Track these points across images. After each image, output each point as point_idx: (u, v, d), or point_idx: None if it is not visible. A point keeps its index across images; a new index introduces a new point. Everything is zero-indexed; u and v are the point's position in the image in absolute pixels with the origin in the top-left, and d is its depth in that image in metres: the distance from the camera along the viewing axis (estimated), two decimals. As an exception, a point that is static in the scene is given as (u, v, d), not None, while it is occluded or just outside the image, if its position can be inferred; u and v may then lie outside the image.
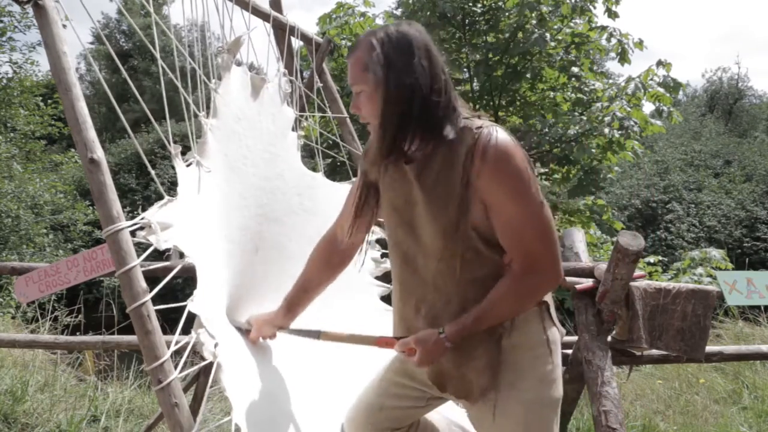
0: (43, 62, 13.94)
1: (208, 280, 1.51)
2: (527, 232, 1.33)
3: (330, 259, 1.74)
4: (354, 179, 2.65)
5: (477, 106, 8.78)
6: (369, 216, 1.60)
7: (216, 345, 1.37)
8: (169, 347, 1.31)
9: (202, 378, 2.48)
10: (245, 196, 1.93)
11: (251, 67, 2.11)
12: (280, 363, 1.79)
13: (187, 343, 1.35)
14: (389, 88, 1.34)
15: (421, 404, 1.64)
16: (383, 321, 2.44)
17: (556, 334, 1.49)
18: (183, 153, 1.58)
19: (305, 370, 1.86)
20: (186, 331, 1.40)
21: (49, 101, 12.01)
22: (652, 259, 7.58)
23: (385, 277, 2.57)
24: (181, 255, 1.41)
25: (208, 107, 1.75)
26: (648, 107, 8.15)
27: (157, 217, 1.36)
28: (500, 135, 1.32)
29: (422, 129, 1.36)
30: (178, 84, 1.59)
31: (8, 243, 11.01)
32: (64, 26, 1.36)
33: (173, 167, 1.54)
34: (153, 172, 1.58)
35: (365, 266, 2.44)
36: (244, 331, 1.74)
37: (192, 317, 1.40)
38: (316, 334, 1.68)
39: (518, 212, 1.32)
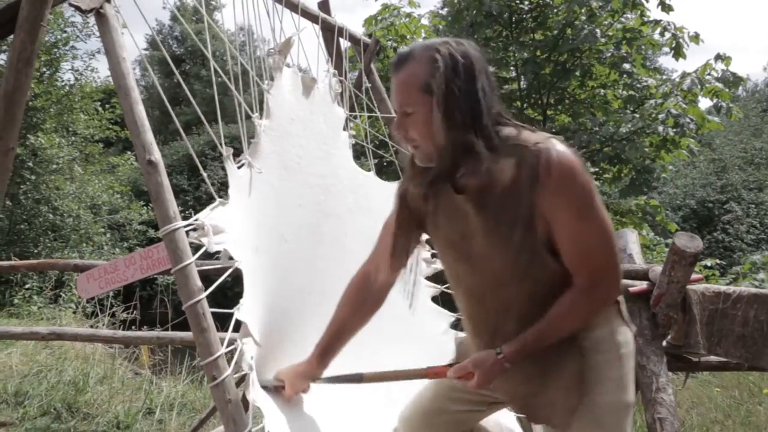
0: (101, 69, 14.55)
1: (253, 291, 1.50)
2: (593, 248, 1.29)
3: (364, 301, 1.62)
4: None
5: (525, 105, 8.66)
6: (409, 250, 1.54)
7: (252, 357, 1.38)
8: (222, 344, 1.34)
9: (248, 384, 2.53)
10: (301, 194, 1.93)
11: (299, 70, 2.14)
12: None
13: (231, 341, 1.38)
14: (454, 113, 1.26)
15: (481, 408, 1.61)
16: (437, 323, 2.44)
17: (629, 334, 1.44)
18: (235, 155, 1.59)
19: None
20: (237, 329, 1.42)
21: (107, 106, 12.53)
22: (708, 262, 7.29)
23: (434, 278, 2.56)
24: (231, 258, 1.43)
25: (260, 108, 1.77)
26: (705, 103, 7.86)
27: (209, 220, 1.39)
28: (561, 150, 1.27)
29: (481, 155, 1.28)
30: (230, 85, 1.61)
31: (69, 241, 11.53)
32: (122, 33, 1.41)
33: (223, 168, 1.56)
34: (205, 174, 1.60)
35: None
36: (274, 389, 1.59)
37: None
38: (359, 378, 1.57)
39: (584, 228, 1.28)
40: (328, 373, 1.61)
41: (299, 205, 1.93)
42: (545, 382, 1.39)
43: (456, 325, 2.43)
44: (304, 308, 1.85)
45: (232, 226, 1.44)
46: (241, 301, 1.42)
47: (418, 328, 2.25)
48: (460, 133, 1.27)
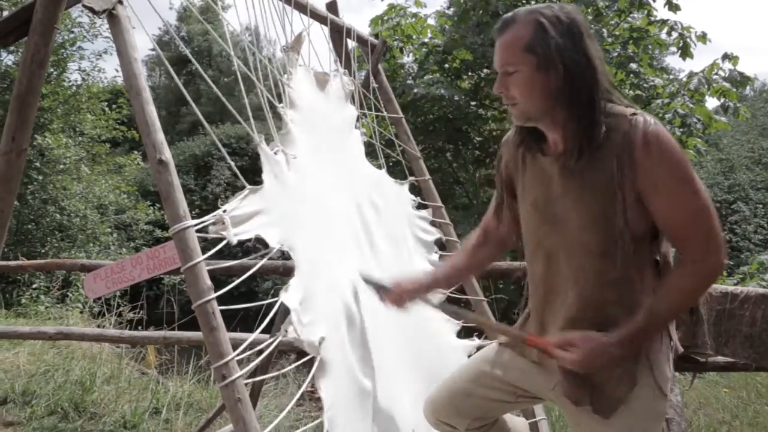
0: (108, 69, 14.59)
1: (307, 265, 1.51)
2: (699, 214, 1.27)
3: (484, 242, 1.69)
4: (411, 179, 2.67)
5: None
6: (510, 213, 1.57)
7: (322, 340, 1.38)
8: (231, 344, 1.35)
9: (258, 374, 2.53)
10: (331, 183, 1.94)
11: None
12: (378, 358, 1.76)
13: (255, 341, 1.39)
14: (556, 73, 1.27)
15: (510, 399, 1.60)
16: (441, 331, 2.43)
17: (668, 341, 1.41)
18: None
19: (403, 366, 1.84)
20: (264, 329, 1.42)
21: (114, 106, 12.59)
22: (716, 262, 7.25)
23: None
24: (247, 252, 1.44)
25: (280, 101, 1.78)
26: (712, 103, 7.82)
27: (239, 210, 1.39)
28: (657, 123, 1.27)
29: (578, 118, 1.29)
30: (253, 76, 1.63)
31: (76, 241, 11.59)
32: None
33: (229, 168, 1.57)
34: (232, 163, 1.58)
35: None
36: (382, 288, 1.65)
37: (248, 316, 1.43)
38: (462, 316, 1.67)
39: (688, 195, 1.26)
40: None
41: (334, 192, 1.94)
42: (601, 371, 1.35)
43: (460, 334, 2.40)
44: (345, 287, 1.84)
45: (269, 210, 1.45)
46: (290, 282, 1.44)
47: (426, 337, 2.25)
48: (560, 93, 1.28)
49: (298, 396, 1.41)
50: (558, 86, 1.28)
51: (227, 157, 1.60)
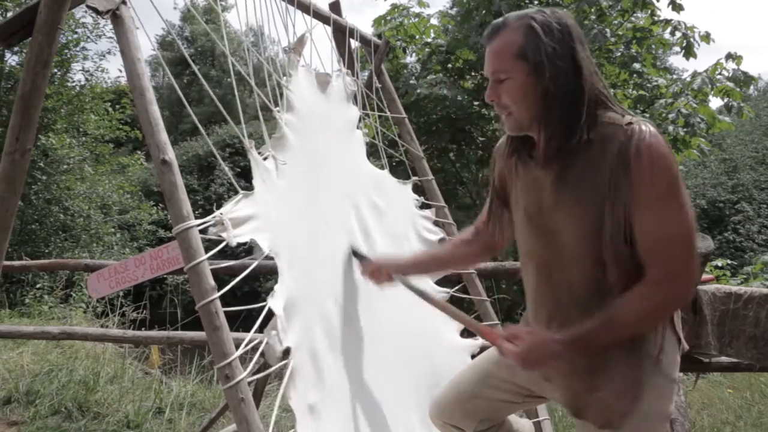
0: (111, 69, 14.61)
1: (290, 272, 1.52)
2: (674, 237, 1.23)
3: (472, 241, 1.71)
4: (414, 179, 2.67)
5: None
6: (503, 221, 1.57)
7: (288, 349, 1.38)
8: (234, 344, 1.35)
9: (261, 374, 2.54)
10: (325, 187, 1.93)
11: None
12: (355, 364, 1.76)
13: (251, 340, 1.39)
14: (548, 79, 1.25)
15: (517, 400, 1.59)
16: (444, 328, 2.43)
17: (676, 342, 1.39)
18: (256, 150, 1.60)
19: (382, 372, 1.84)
20: (253, 329, 1.43)
21: (117, 106, 12.62)
22: (719, 262, 7.22)
23: (441, 281, 2.56)
24: (249, 251, 1.45)
25: (278, 104, 1.78)
26: (716, 103, 7.81)
27: (233, 213, 1.40)
28: (654, 133, 1.23)
29: (571, 127, 1.26)
30: (250, 80, 1.62)
31: (80, 241, 11.62)
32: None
33: (231, 169, 1.57)
34: (227, 168, 1.62)
35: None
36: (363, 260, 1.79)
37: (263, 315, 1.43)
38: (427, 296, 1.70)
39: (668, 215, 1.23)
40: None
41: (328, 197, 1.93)
42: (593, 382, 1.34)
43: (463, 334, 2.40)
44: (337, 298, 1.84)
45: (260, 215, 1.45)
46: (275, 288, 1.43)
47: (428, 334, 2.25)
48: (553, 101, 1.26)
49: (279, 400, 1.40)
50: (548, 92, 1.26)
51: (222, 163, 1.61)
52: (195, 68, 1.65)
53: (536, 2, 8.17)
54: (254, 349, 1.40)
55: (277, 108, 1.74)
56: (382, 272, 1.75)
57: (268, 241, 1.47)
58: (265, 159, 1.61)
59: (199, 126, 1.58)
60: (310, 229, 1.76)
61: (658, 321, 1.31)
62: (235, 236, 1.38)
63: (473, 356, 2.33)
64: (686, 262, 1.25)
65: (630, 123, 1.25)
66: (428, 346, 2.17)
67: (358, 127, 2.38)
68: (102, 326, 5.93)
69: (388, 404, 1.80)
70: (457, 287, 2.57)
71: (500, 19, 1.33)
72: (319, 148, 1.94)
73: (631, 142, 1.22)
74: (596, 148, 1.26)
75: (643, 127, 1.23)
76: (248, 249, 1.47)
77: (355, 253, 1.81)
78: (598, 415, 1.35)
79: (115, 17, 1.38)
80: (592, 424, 1.37)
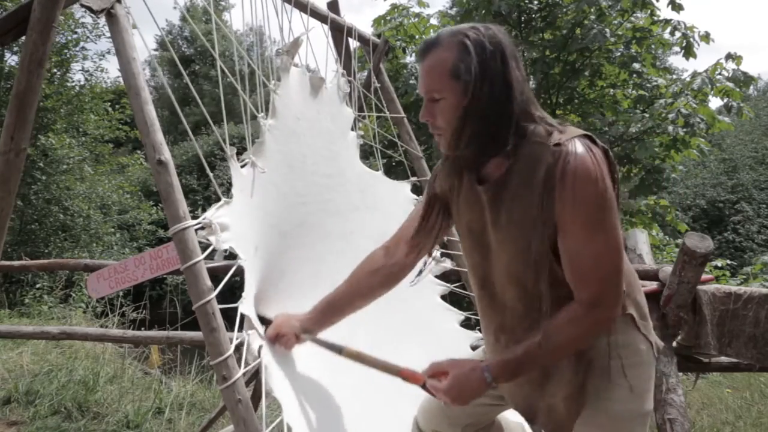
0: (111, 69, 14.63)
1: (252, 280, 1.52)
2: (598, 263, 1.21)
3: (379, 270, 1.57)
4: (412, 179, 2.67)
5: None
6: (432, 236, 1.52)
7: (260, 347, 1.38)
8: (232, 343, 1.35)
9: (261, 374, 2.54)
10: (303, 193, 1.95)
11: (308, 69, 2.14)
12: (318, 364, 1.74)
13: (240, 341, 1.39)
14: (484, 100, 1.22)
15: (500, 402, 1.58)
16: (443, 318, 2.44)
17: (645, 344, 1.38)
18: (239, 154, 1.60)
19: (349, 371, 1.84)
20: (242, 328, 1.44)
21: (117, 106, 12.61)
22: (719, 262, 7.23)
23: (443, 276, 2.56)
24: (236, 256, 1.45)
25: (266, 108, 1.78)
26: (715, 103, 7.81)
27: (214, 219, 1.40)
28: (580, 154, 1.19)
29: (504, 147, 1.24)
30: (237, 85, 1.62)
31: (80, 241, 11.62)
32: (132, 34, 1.42)
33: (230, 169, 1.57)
34: (211, 174, 1.59)
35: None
36: (266, 322, 1.58)
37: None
38: (339, 349, 1.54)
39: (591, 241, 1.20)
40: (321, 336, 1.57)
41: (303, 203, 1.94)
42: (544, 389, 1.35)
43: (466, 324, 2.43)
44: (314, 300, 1.85)
45: (234, 224, 1.45)
46: (243, 295, 1.43)
47: (426, 325, 2.26)
48: (487, 121, 1.23)
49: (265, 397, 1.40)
50: (481, 113, 1.23)
51: (207, 167, 1.60)
52: (184, 72, 1.63)
53: (536, 1, 8.18)
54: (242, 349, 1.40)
55: (262, 114, 1.73)
56: (286, 335, 1.55)
57: (241, 248, 1.46)
58: (243, 166, 1.60)
59: (189, 130, 1.56)
60: (281, 237, 1.76)
61: (588, 342, 1.30)
62: (223, 241, 1.37)
63: (472, 346, 2.35)
64: (613, 285, 1.24)
65: (558, 144, 1.21)
66: (428, 338, 2.18)
67: (353, 129, 2.38)
68: (102, 326, 5.93)
69: (375, 393, 1.81)
70: (456, 284, 2.58)
71: (434, 36, 1.30)
72: (302, 153, 1.95)
73: (557, 165, 1.19)
74: (526, 167, 1.24)
75: (570, 148, 1.20)
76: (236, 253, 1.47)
77: (261, 319, 1.57)
78: (548, 420, 1.37)
79: (110, 16, 1.37)
80: (544, 429, 1.40)
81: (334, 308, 1.58)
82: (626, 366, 1.34)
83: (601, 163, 1.21)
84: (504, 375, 1.29)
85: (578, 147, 1.20)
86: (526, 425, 1.84)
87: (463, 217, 1.42)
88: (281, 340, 1.55)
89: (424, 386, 1.39)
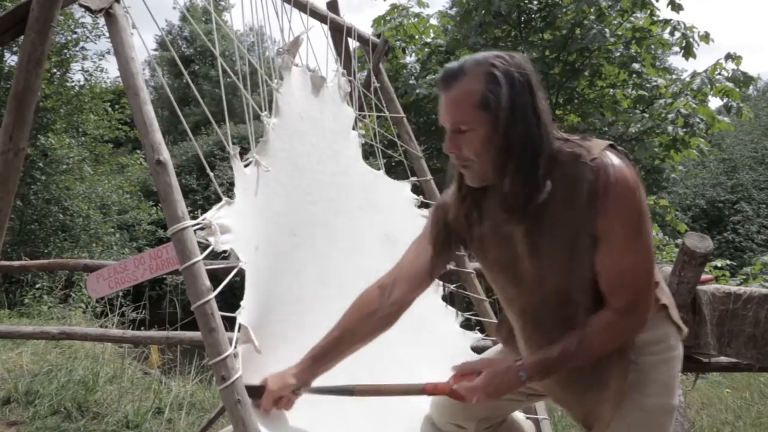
0: (110, 69, 14.64)
1: (255, 292, 1.48)
2: (637, 271, 1.24)
3: (374, 312, 1.46)
4: (412, 179, 2.66)
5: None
6: (443, 266, 1.51)
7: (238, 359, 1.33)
8: (231, 344, 1.34)
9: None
10: (309, 192, 1.93)
11: (308, 69, 2.14)
12: None
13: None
14: (519, 132, 1.20)
15: (520, 398, 1.58)
16: (443, 319, 2.44)
17: (678, 338, 1.41)
18: (241, 154, 1.59)
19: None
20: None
21: (117, 106, 12.61)
22: (718, 263, 7.22)
23: (443, 276, 2.55)
24: (237, 257, 1.43)
25: (269, 107, 1.77)
26: (715, 103, 7.81)
27: (215, 219, 1.39)
28: (618, 166, 1.21)
29: (539, 175, 1.23)
30: (239, 84, 1.61)
31: (79, 241, 11.62)
32: (131, 34, 1.42)
33: (231, 168, 1.56)
34: (212, 174, 1.58)
35: None
36: (257, 389, 1.40)
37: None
38: (350, 390, 1.45)
39: (632, 250, 1.23)
40: (317, 383, 1.46)
41: (309, 201, 1.93)
42: (586, 393, 1.37)
43: (467, 325, 2.42)
44: (321, 300, 1.83)
45: (236, 224, 1.44)
46: (242, 303, 1.39)
47: (426, 326, 2.25)
48: (520, 151, 1.22)
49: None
50: (510, 144, 1.21)
51: (207, 167, 1.59)
52: (185, 72, 1.63)
53: (536, 1, 8.18)
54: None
55: (265, 113, 1.73)
56: (284, 397, 1.43)
57: (242, 250, 1.45)
58: (247, 165, 1.58)
59: (188, 130, 1.56)
60: (289, 236, 1.75)
61: (617, 345, 1.32)
62: (223, 243, 1.37)
63: (472, 347, 2.36)
64: (646, 292, 1.28)
65: (594, 158, 1.22)
66: (429, 338, 2.18)
67: (354, 128, 2.38)
68: (101, 326, 5.93)
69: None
70: (456, 284, 2.58)
71: (455, 64, 1.26)
72: (306, 152, 1.94)
73: (598, 179, 1.20)
74: (565, 189, 1.23)
75: (607, 161, 1.21)
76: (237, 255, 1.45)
77: (250, 389, 1.36)
78: (593, 422, 1.39)
79: (108, 15, 1.37)
80: (583, 425, 1.42)
81: (328, 356, 1.46)
82: (662, 361, 1.36)
83: (636, 171, 1.24)
84: (538, 375, 1.32)
85: (614, 159, 1.22)
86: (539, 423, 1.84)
87: (489, 254, 1.40)
88: (280, 403, 1.43)
89: (450, 393, 1.39)
